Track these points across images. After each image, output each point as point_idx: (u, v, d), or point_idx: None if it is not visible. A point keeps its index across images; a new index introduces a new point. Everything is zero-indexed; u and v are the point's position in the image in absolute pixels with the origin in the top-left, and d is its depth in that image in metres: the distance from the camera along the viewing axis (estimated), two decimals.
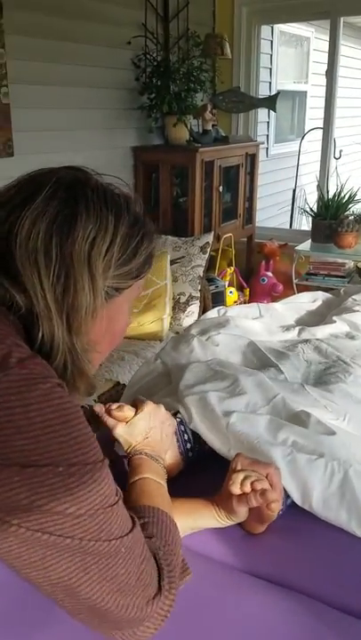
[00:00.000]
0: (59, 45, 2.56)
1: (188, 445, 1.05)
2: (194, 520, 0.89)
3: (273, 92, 4.15)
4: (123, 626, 0.63)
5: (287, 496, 0.93)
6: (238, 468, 0.88)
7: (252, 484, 0.85)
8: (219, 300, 3.20)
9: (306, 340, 1.50)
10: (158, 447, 0.90)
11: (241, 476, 0.86)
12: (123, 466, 0.93)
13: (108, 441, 0.94)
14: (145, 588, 0.63)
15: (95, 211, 0.66)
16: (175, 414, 1.07)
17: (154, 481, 0.83)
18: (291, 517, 0.93)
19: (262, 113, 3.96)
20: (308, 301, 1.88)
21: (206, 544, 0.91)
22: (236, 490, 0.85)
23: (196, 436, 1.06)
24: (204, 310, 2.86)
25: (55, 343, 0.65)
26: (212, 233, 3.05)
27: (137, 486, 0.82)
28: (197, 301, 2.89)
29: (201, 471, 1.05)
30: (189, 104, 3.06)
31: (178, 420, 1.06)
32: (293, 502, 0.93)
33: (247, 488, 0.85)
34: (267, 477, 0.86)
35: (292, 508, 0.94)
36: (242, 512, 0.88)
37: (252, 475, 0.86)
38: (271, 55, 4.45)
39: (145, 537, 0.68)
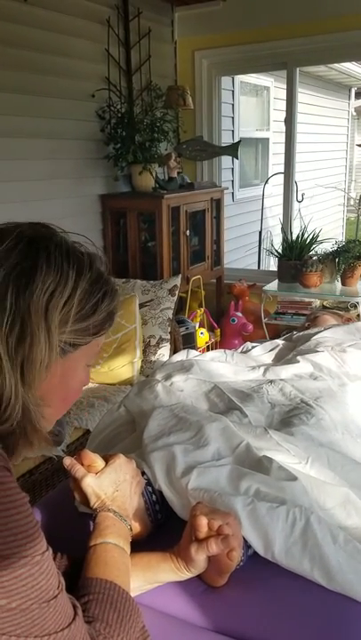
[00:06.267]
0: (26, 99, 2.63)
1: (157, 507, 1.00)
2: (152, 574, 0.87)
3: (235, 140, 4.30)
4: None
5: (248, 547, 0.91)
6: (198, 514, 0.86)
7: (219, 527, 0.82)
8: (189, 341, 3.21)
9: (270, 381, 1.50)
10: (126, 505, 0.87)
11: (205, 520, 0.83)
12: (87, 525, 0.89)
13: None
14: None
15: (56, 265, 0.66)
16: (143, 473, 1.01)
17: (115, 547, 0.79)
18: (253, 568, 0.91)
19: (226, 159, 4.09)
20: (263, 353, 1.86)
21: (168, 602, 0.88)
22: (203, 527, 0.82)
23: (164, 497, 1.01)
24: (174, 352, 2.86)
25: (5, 396, 0.63)
26: (181, 275, 3.09)
27: (96, 552, 0.78)
28: (168, 344, 2.89)
29: (170, 530, 0.99)
30: (154, 153, 3.14)
31: (145, 479, 1.00)
32: (256, 552, 0.91)
33: (214, 528, 0.82)
34: None
35: (254, 558, 0.92)
36: (201, 561, 0.85)
37: (218, 519, 0.84)
38: (233, 104, 4.64)
39: (86, 621, 0.65)
